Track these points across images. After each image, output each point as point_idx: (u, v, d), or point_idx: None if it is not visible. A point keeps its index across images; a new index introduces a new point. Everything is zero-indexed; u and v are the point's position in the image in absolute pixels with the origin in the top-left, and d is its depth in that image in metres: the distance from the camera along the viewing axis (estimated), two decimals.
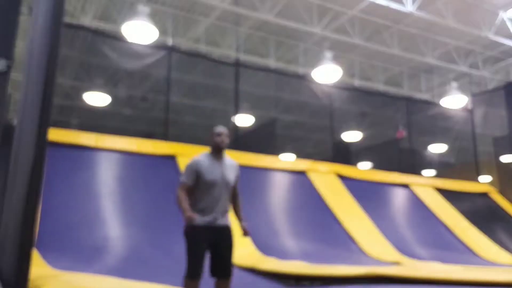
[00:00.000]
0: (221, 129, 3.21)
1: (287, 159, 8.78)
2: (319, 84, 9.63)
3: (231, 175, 3.16)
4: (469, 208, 8.75)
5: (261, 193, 7.33)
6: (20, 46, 7.90)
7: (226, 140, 3.18)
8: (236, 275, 3.08)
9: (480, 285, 3.41)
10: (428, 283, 3.66)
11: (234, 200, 3.26)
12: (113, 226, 5.57)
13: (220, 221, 3.05)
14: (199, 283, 2.93)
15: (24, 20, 7.54)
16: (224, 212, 3.08)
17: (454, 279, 3.65)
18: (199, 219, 2.97)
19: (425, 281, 3.70)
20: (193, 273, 2.93)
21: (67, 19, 8.20)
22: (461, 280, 3.60)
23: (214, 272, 3.01)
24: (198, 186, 3.06)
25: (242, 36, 9.75)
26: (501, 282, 3.38)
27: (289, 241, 6.35)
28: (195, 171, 3.07)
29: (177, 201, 3.05)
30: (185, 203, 3.03)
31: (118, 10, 8.71)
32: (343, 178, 8.23)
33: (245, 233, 3.16)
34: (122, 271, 4.22)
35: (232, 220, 3.14)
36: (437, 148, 12.87)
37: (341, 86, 10.14)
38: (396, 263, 5.82)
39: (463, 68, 10.97)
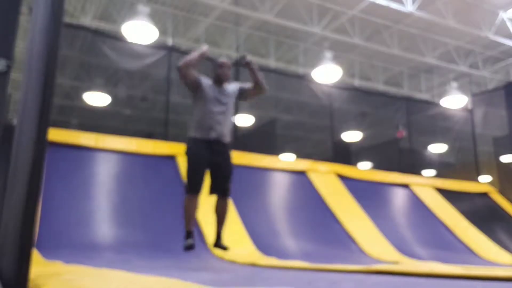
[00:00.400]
0: (223, 60, 3.28)
1: (287, 159, 8.78)
2: (319, 84, 9.64)
3: (229, 97, 3.25)
4: (469, 208, 8.75)
5: (261, 193, 7.35)
6: (20, 46, 7.93)
7: (227, 72, 3.25)
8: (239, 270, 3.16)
9: (479, 279, 3.43)
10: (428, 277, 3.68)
11: (255, 82, 3.32)
12: (113, 225, 5.58)
13: (220, 137, 3.15)
14: (198, 198, 3.07)
15: (24, 20, 7.57)
16: (224, 130, 3.18)
17: (453, 274, 3.68)
18: (199, 134, 3.10)
19: (424, 276, 3.73)
20: (192, 188, 3.08)
21: (67, 19, 8.22)
22: (461, 275, 3.63)
23: (213, 190, 3.16)
24: (196, 102, 3.18)
25: (242, 36, 9.76)
26: (501, 276, 3.40)
27: (289, 241, 6.36)
28: (198, 78, 3.19)
29: (186, 64, 3.14)
30: (193, 56, 3.15)
31: (118, 10, 8.72)
32: (343, 178, 8.24)
33: (246, 62, 3.25)
34: (121, 269, 4.23)
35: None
36: (437, 148, 12.89)
37: (341, 86, 10.15)
38: (396, 263, 5.83)
39: (463, 68, 10.99)
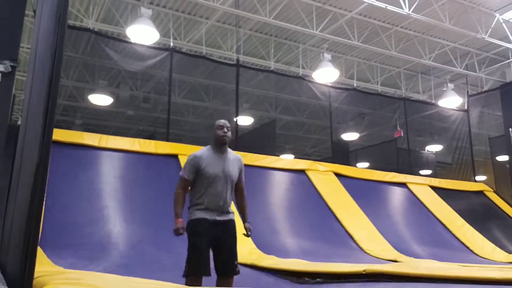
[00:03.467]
0: (223, 121, 3.11)
1: (287, 159, 8.88)
2: (318, 85, 9.74)
3: (234, 169, 3.04)
4: (465, 206, 8.86)
5: (260, 192, 7.40)
6: (25, 47, 8.05)
7: (228, 133, 3.06)
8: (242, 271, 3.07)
9: (476, 282, 3.49)
10: (426, 280, 3.74)
11: (239, 197, 3.17)
12: (116, 224, 5.61)
13: (223, 217, 2.94)
14: (201, 280, 2.78)
15: (29, 22, 7.69)
16: (227, 208, 2.98)
17: (451, 276, 3.74)
18: (201, 214, 2.88)
19: (422, 279, 3.79)
20: (196, 270, 2.77)
21: (70, 21, 8.33)
22: (458, 277, 3.69)
23: (216, 269, 2.87)
24: (199, 180, 2.96)
25: (242, 37, 9.86)
26: (497, 279, 3.45)
27: (288, 240, 6.41)
28: (195, 166, 2.96)
29: (174, 200, 2.96)
30: (178, 207, 2.92)
31: (120, 13, 8.83)
32: (341, 177, 8.31)
33: (247, 233, 3.06)
34: (126, 268, 4.29)
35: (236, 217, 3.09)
36: (434, 148, 13.00)
37: (340, 87, 10.26)
38: (394, 261, 5.90)
39: (460, 69, 11.10)
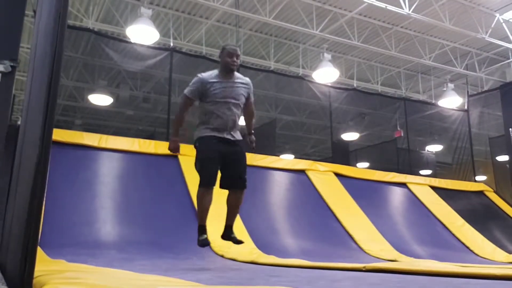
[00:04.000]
0: (233, 48, 3.06)
1: (287, 159, 8.88)
2: (318, 85, 9.74)
3: (240, 92, 3.06)
4: (465, 206, 8.86)
5: (260, 192, 7.40)
6: (25, 47, 8.04)
7: (237, 61, 3.03)
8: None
9: (476, 277, 3.49)
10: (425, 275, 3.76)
11: (247, 115, 3.26)
12: (116, 224, 5.61)
13: (231, 136, 3.01)
14: (212, 191, 2.91)
15: (28, 21, 7.69)
16: (235, 130, 3.05)
17: (451, 272, 3.74)
18: (210, 132, 2.98)
19: (422, 274, 3.80)
20: (205, 182, 2.90)
21: (70, 21, 8.33)
22: (458, 273, 3.70)
23: (225, 185, 2.99)
24: (207, 102, 2.99)
25: (242, 37, 9.87)
26: (498, 275, 3.45)
27: (288, 240, 6.40)
28: (200, 89, 3.00)
29: (174, 119, 3.09)
30: (177, 126, 3.11)
31: (120, 12, 8.83)
32: (341, 177, 8.31)
33: (252, 145, 3.18)
34: (125, 268, 4.29)
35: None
36: (434, 148, 13.00)
37: (340, 87, 10.26)
38: (394, 261, 5.90)
39: (460, 69, 11.10)
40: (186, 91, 3.07)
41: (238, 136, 3.10)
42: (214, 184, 2.93)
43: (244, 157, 3.09)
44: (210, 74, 3.06)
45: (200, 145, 3.02)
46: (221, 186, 3.04)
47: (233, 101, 3.02)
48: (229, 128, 3.03)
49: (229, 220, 3.20)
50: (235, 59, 3.02)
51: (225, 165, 3.00)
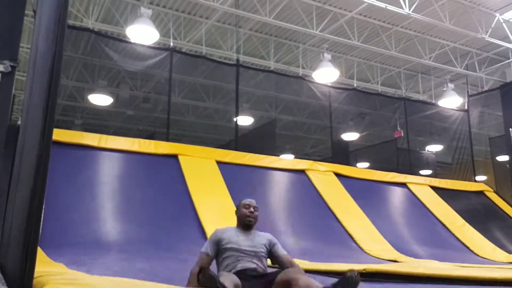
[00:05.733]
0: (249, 200, 2.84)
1: (287, 159, 8.87)
2: (318, 85, 9.73)
3: (260, 243, 2.72)
4: (465, 206, 8.85)
5: (261, 192, 7.39)
6: (25, 48, 8.04)
7: (255, 213, 2.77)
8: None
9: (477, 282, 3.47)
10: (426, 280, 3.73)
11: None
12: (116, 224, 5.60)
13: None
14: None
15: (28, 22, 7.68)
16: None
17: (451, 275, 3.73)
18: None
19: (423, 278, 3.78)
20: None
21: (70, 21, 8.32)
22: (458, 277, 3.68)
23: None
24: (224, 258, 2.68)
25: (242, 37, 9.86)
26: (498, 278, 3.44)
27: (288, 239, 6.40)
28: (216, 240, 2.70)
29: (188, 279, 2.58)
30: (189, 286, 2.55)
31: (120, 13, 8.82)
32: (341, 177, 8.30)
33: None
34: (125, 269, 4.29)
35: None
36: (434, 148, 12.99)
37: (340, 87, 10.25)
38: (394, 261, 5.90)
39: (460, 69, 11.10)
40: (203, 248, 2.75)
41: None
42: None
43: None
44: (227, 227, 2.84)
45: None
46: None
47: (250, 252, 2.66)
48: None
49: None
50: (252, 210, 2.78)
51: None
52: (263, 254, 2.72)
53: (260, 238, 2.78)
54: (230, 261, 2.65)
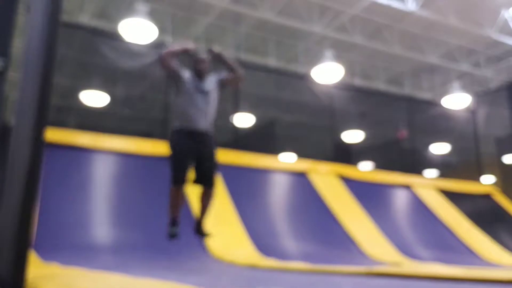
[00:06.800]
0: (201, 56, 3.36)
1: (287, 159, 8.72)
2: (320, 84, 9.58)
3: (211, 86, 3.34)
4: (472, 209, 8.69)
5: (261, 193, 7.30)
6: (17, 45, 7.84)
7: (206, 66, 3.35)
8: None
9: (481, 281, 3.37)
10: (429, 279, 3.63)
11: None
12: (111, 227, 5.56)
13: (202, 128, 3.22)
14: (183, 188, 3.15)
15: (21, 18, 7.49)
16: (206, 121, 3.25)
17: (454, 276, 3.63)
18: (182, 124, 3.20)
19: (425, 278, 3.67)
20: (177, 180, 3.12)
21: (64, 18, 8.14)
22: (461, 278, 3.57)
23: (198, 180, 3.22)
24: (180, 94, 3.27)
25: (241, 35, 9.70)
26: (503, 279, 3.34)
27: (289, 242, 6.32)
28: (180, 69, 3.29)
29: (168, 53, 3.23)
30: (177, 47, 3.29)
31: (116, 9, 8.65)
32: (344, 179, 8.18)
33: (216, 54, 3.30)
34: (119, 271, 4.20)
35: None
36: (439, 148, 12.82)
37: (342, 86, 10.08)
38: (397, 264, 5.77)
39: (465, 67, 10.92)
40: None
41: (209, 129, 3.31)
42: (184, 182, 3.17)
43: (214, 154, 3.29)
44: (187, 70, 3.40)
45: (172, 141, 3.26)
46: (194, 181, 3.29)
47: (203, 94, 3.27)
48: (200, 120, 3.25)
49: (200, 216, 3.46)
50: (204, 65, 3.36)
51: (196, 161, 3.24)
52: (213, 95, 3.38)
53: (211, 82, 3.39)
54: (185, 102, 3.31)
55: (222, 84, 3.44)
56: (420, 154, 11.78)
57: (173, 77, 3.30)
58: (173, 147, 3.21)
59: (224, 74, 3.43)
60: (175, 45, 3.36)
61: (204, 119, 3.24)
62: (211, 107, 3.31)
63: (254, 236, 5.89)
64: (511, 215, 9.01)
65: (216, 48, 3.35)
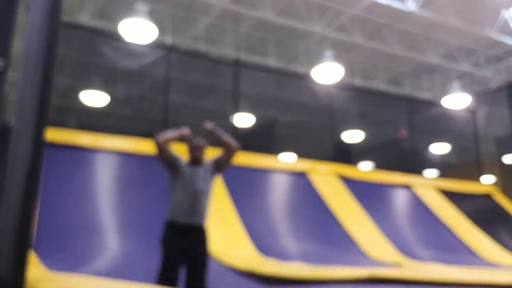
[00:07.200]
0: (200, 143, 3.18)
1: (287, 159, 8.71)
2: (320, 84, 9.57)
3: (206, 174, 3.18)
4: (472, 209, 8.68)
5: (261, 194, 7.28)
6: (18, 45, 7.83)
7: (202, 155, 3.19)
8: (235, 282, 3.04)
9: (481, 286, 3.37)
10: (429, 284, 3.62)
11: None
12: (111, 228, 5.52)
13: (195, 222, 3.06)
14: None
15: (21, 18, 7.48)
16: (200, 215, 3.07)
17: (455, 280, 3.61)
18: (175, 218, 3.02)
19: (426, 283, 3.66)
20: (163, 283, 2.89)
21: (64, 18, 8.13)
22: (463, 282, 3.56)
23: (187, 284, 2.98)
24: (175, 183, 3.10)
25: (241, 35, 9.69)
26: (504, 283, 3.33)
27: (289, 242, 6.30)
28: (177, 157, 3.12)
29: (163, 139, 3.06)
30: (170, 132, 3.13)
31: (116, 9, 8.64)
32: (344, 179, 8.17)
33: (208, 131, 3.17)
34: (119, 273, 4.18)
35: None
36: (439, 148, 12.81)
37: (342, 86, 10.08)
38: (397, 265, 5.77)
39: (465, 67, 10.91)
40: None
41: (203, 222, 3.11)
42: (173, 284, 2.92)
43: (206, 255, 3.08)
44: (182, 158, 3.22)
45: (164, 239, 3.07)
46: (185, 285, 3.05)
47: (198, 183, 3.10)
48: (194, 213, 3.06)
49: None
50: (200, 154, 3.18)
51: (187, 263, 3.02)
52: (208, 184, 3.19)
53: (206, 175, 3.19)
54: (178, 196, 3.09)
55: (218, 166, 3.25)
56: (420, 154, 11.77)
57: (170, 165, 3.12)
58: (164, 245, 3.04)
59: (218, 156, 3.26)
60: (171, 132, 3.16)
61: (199, 213, 3.07)
62: (206, 198, 3.14)
63: (254, 236, 5.88)
64: (511, 215, 9.01)
65: (209, 125, 3.15)
